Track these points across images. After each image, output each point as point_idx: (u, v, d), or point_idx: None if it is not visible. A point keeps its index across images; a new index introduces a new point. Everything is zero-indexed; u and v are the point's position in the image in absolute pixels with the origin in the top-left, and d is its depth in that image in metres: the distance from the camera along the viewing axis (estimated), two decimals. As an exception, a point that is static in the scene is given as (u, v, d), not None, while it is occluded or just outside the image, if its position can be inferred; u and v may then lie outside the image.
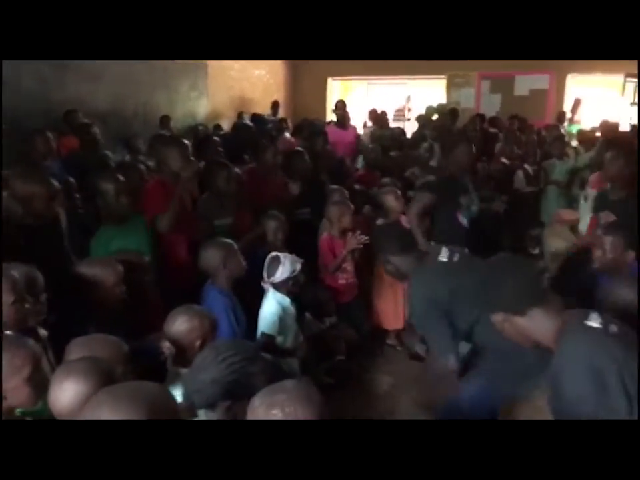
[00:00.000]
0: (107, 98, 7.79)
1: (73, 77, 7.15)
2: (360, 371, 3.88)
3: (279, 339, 3.04)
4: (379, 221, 4.11)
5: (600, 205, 3.75)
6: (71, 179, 3.78)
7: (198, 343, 2.19)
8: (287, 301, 3.09)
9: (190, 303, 2.43)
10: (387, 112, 8.73)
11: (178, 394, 1.87)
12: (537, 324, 1.70)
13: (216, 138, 5.44)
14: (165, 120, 7.86)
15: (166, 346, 2.20)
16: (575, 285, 3.93)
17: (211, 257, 2.85)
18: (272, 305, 3.04)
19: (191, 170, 3.33)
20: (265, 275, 3.06)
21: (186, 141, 3.61)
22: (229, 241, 2.97)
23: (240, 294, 2.98)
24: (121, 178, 3.13)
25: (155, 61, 8.49)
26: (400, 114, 11.63)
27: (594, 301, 3.08)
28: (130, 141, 6.48)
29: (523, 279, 1.76)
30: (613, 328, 1.60)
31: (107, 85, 7.79)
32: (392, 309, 4.20)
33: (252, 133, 6.24)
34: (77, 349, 1.83)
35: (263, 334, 3.00)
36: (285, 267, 3.01)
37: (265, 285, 3.07)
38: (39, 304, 2.11)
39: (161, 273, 3.03)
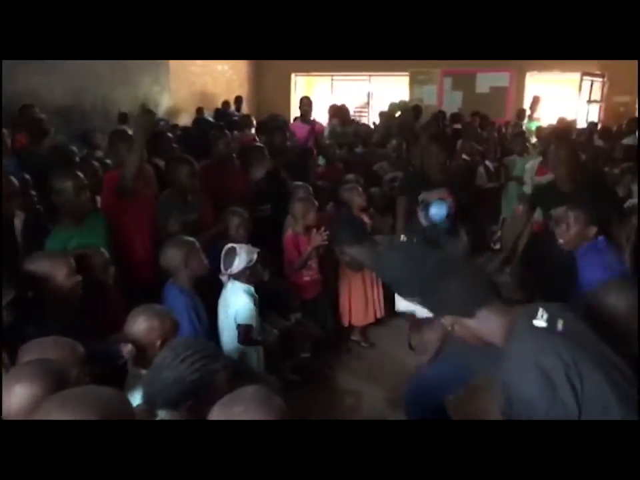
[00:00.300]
0: (64, 92, 7.61)
1: (28, 70, 6.93)
2: (325, 367, 3.88)
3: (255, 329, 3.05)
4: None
5: (550, 196, 3.86)
6: (27, 176, 3.66)
7: (159, 342, 2.15)
8: (251, 289, 3.08)
9: (151, 302, 2.38)
10: (349, 108, 8.75)
11: (139, 395, 1.83)
12: (486, 325, 1.69)
13: (170, 134, 5.34)
14: (123, 116, 7.70)
15: (126, 349, 2.16)
16: (541, 263, 4.07)
17: (171, 256, 2.80)
18: (241, 296, 3.03)
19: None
20: (222, 267, 3.03)
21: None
22: (191, 239, 2.92)
23: (202, 291, 2.95)
24: (80, 174, 3.04)
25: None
26: (361, 110, 11.68)
27: (563, 278, 3.18)
28: (87, 136, 6.32)
29: (469, 280, 1.75)
30: (559, 326, 1.60)
31: (65, 78, 7.60)
32: (362, 305, 4.22)
33: (206, 128, 6.15)
34: (29, 352, 1.76)
35: (242, 326, 2.98)
36: (241, 257, 3.00)
37: (223, 277, 3.03)
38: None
39: (120, 271, 2.96)
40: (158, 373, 1.74)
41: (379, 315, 4.30)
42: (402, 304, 3.63)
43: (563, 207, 3.21)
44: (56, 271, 2.36)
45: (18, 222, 3.22)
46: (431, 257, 2.68)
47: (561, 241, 2.97)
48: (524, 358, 1.55)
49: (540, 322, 1.61)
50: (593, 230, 2.89)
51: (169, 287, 2.81)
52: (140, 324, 2.20)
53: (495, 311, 1.69)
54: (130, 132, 3.55)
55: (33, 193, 3.62)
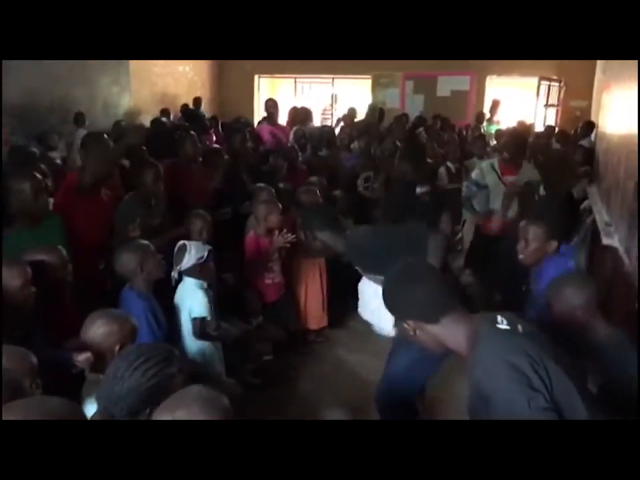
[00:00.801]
0: (20, 92, 7.40)
1: (-18, 69, 6.73)
2: (288, 370, 3.88)
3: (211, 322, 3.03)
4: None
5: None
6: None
7: (117, 347, 2.11)
8: (204, 284, 3.06)
9: (108, 307, 2.34)
10: (313, 110, 8.77)
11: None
12: (450, 331, 1.69)
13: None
14: (79, 116, 7.55)
15: (82, 358, 2.10)
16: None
17: (126, 260, 2.75)
18: (194, 290, 3.02)
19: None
20: (174, 263, 3.01)
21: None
22: (145, 242, 2.87)
23: (161, 293, 2.93)
24: (38, 176, 2.95)
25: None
26: (327, 113, 11.74)
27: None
28: (43, 137, 6.17)
29: (434, 286, 1.74)
30: (520, 328, 1.63)
31: (21, 78, 7.39)
32: (319, 308, 4.25)
33: (168, 128, 6.08)
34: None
35: (196, 319, 2.96)
36: (191, 254, 2.97)
37: (174, 274, 3.01)
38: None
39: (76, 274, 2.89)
40: (112, 385, 1.70)
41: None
42: (366, 313, 3.67)
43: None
44: (10, 280, 2.27)
45: None
46: (398, 233, 2.75)
47: (521, 256, 2.84)
48: (494, 358, 1.55)
49: (502, 325, 1.63)
50: (554, 245, 2.78)
51: (126, 292, 2.77)
52: (98, 328, 2.15)
53: (458, 318, 1.69)
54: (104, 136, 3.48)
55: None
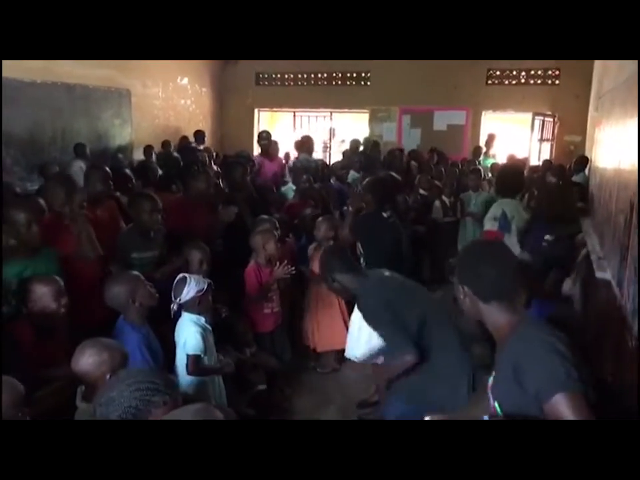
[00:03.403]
0: (24, 124, 7.51)
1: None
2: (282, 399, 3.86)
3: (205, 359, 3.01)
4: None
5: None
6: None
7: (108, 376, 2.11)
8: (201, 319, 3.06)
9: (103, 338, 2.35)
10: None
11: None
12: (493, 314, 1.73)
13: (127, 170, 5.31)
14: (79, 148, 7.62)
15: None
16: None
17: (117, 293, 2.75)
18: (189, 325, 3.01)
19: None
20: (172, 296, 3.00)
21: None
22: (134, 273, 2.89)
23: (162, 326, 2.95)
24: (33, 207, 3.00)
25: (75, 86, 8.30)
26: (326, 146, 11.90)
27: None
28: (44, 168, 6.24)
29: (501, 271, 1.74)
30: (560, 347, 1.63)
31: (25, 110, 7.52)
32: (329, 331, 4.31)
33: (179, 162, 6.16)
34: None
35: (189, 356, 2.95)
36: (191, 286, 2.98)
37: (173, 306, 3.01)
38: None
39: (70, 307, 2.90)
40: (106, 389, 1.76)
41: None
42: (352, 353, 3.68)
43: None
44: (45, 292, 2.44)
45: None
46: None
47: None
48: (536, 337, 1.60)
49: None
50: None
51: (121, 324, 2.77)
52: (88, 358, 2.16)
53: (507, 307, 1.72)
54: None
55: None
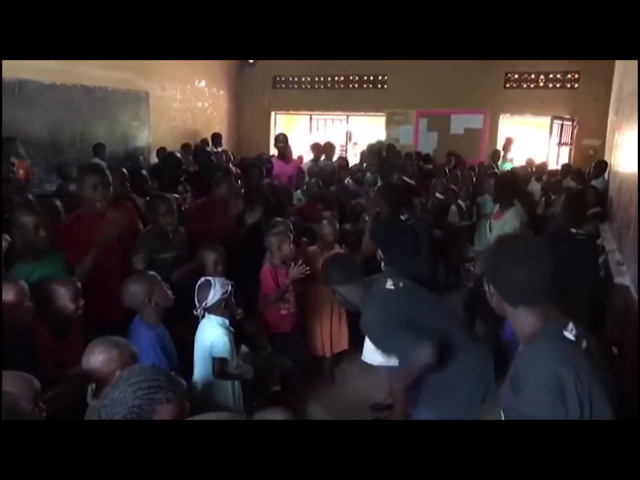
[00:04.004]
0: (43, 125, 7.62)
1: (7, 101, 6.97)
2: (297, 402, 3.85)
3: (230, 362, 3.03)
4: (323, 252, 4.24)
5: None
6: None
7: (117, 373, 2.12)
8: (226, 322, 3.07)
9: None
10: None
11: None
12: (519, 318, 1.69)
13: (144, 171, 5.35)
14: (98, 148, 7.69)
15: None
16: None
17: (134, 293, 2.78)
18: (216, 328, 3.01)
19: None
20: (196, 301, 3.01)
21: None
22: (151, 273, 2.91)
23: (177, 326, 2.96)
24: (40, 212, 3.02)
25: (94, 88, 8.40)
26: (343, 149, 11.88)
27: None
28: (62, 169, 6.31)
29: (531, 276, 1.66)
30: (584, 344, 1.62)
31: (45, 112, 7.63)
32: (337, 332, 4.34)
33: (181, 163, 6.20)
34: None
35: (217, 359, 2.96)
36: (216, 289, 2.99)
37: (199, 312, 3.02)
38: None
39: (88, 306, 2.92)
40: (109, 390, 1.76)
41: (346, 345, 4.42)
42: (368, 357, 3.68)
43: None
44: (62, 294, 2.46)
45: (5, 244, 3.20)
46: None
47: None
48: (544, 360, 1.56)
49: (569, 334, 1.62)
50: None
51: (136, 323, 2.79)
52: (98, 356, 2.19)
53: (533, 312, 1.67)
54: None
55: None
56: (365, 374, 4.17)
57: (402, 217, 4.18)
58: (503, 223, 4.66)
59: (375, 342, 2.88)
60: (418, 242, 4.18)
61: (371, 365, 3.72)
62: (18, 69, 6.89)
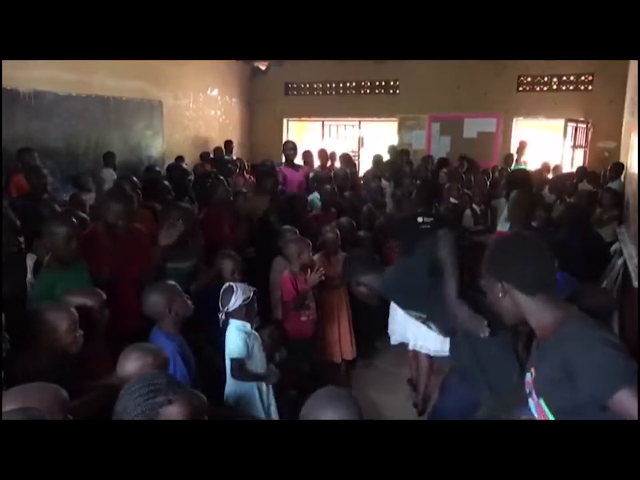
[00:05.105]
0: (58, 134, 7.71)
1: (24, 112, 7.06)
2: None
3: (249, 364, 3.04)
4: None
5: None
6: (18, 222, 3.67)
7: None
8: (247, 326, 3.09)
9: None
10: (339, 151, 9.06)
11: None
12: (538, 308, 1.68)
13: (166, 182, 5.40)
14: (108, 157, 7.76)
15: None
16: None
17: (154, 302, 2.80)
18: (233, 332, 3.05)
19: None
20: (220, 305, 3.05)
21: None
22: (171, 283, 2.93)
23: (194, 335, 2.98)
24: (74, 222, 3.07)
25: (108, 99, 8.48)
26: (355, 155, 11.88)
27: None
28: (77, 179, 6.37)
29: (543, 262, 1.71)
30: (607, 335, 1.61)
31: (60, 122, 7.72)
32: (348, 339, 4.36)
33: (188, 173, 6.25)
34: (12, 400, 1.73)
35: (233, 359, 2.99)
36: (238, 294, 3.02)
37: (221, 316, 3.05)
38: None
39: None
40: (116, 404, 1.78)
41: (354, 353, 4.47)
42: (395, 337, 3.77)
43: None
44: (59, 324, 2.37)
45: (30, 262, 3.25)
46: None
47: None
48: (589, 332, 1.58)
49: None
50: None
51: (155, 333, 2.81)
52: (133, 362, 2.22)
53: (551, 299, 1.68)
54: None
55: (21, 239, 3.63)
56: (378, 382, 4.17)
57: (419, 220, 4.19)
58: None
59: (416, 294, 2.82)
60: (432, 247, 4.19)
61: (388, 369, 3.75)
62: (34, 80, 7.00)
